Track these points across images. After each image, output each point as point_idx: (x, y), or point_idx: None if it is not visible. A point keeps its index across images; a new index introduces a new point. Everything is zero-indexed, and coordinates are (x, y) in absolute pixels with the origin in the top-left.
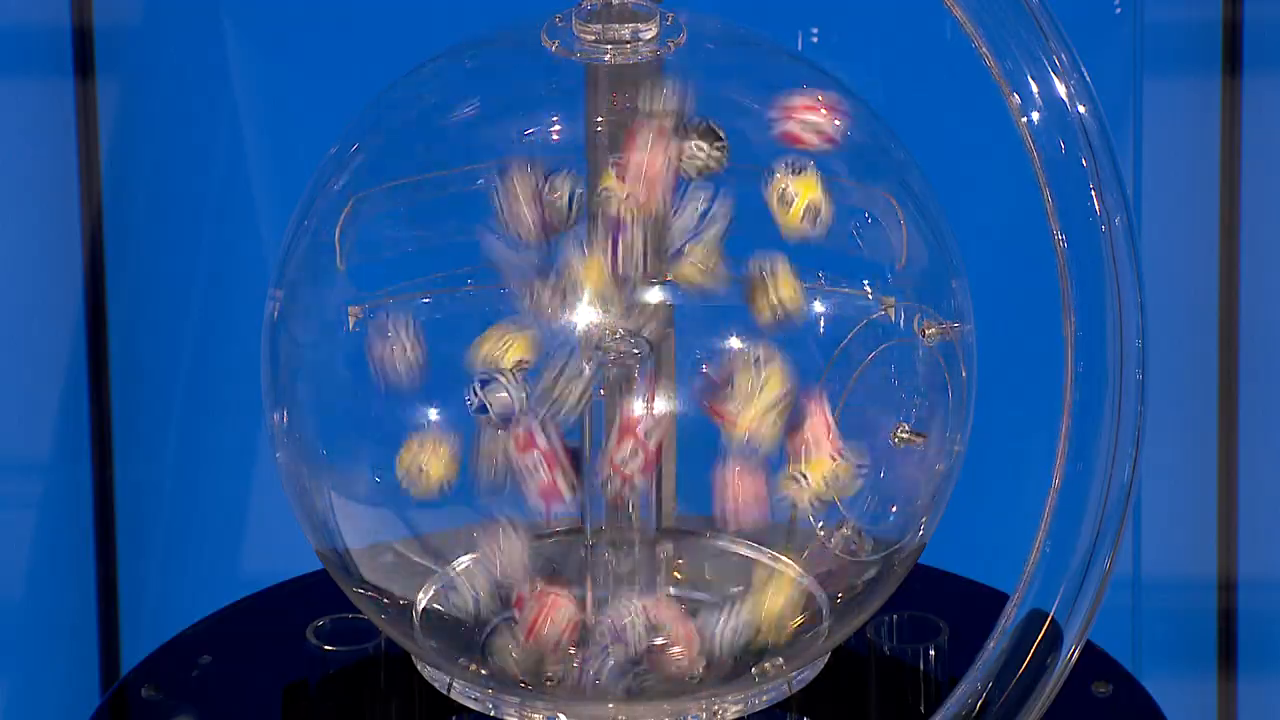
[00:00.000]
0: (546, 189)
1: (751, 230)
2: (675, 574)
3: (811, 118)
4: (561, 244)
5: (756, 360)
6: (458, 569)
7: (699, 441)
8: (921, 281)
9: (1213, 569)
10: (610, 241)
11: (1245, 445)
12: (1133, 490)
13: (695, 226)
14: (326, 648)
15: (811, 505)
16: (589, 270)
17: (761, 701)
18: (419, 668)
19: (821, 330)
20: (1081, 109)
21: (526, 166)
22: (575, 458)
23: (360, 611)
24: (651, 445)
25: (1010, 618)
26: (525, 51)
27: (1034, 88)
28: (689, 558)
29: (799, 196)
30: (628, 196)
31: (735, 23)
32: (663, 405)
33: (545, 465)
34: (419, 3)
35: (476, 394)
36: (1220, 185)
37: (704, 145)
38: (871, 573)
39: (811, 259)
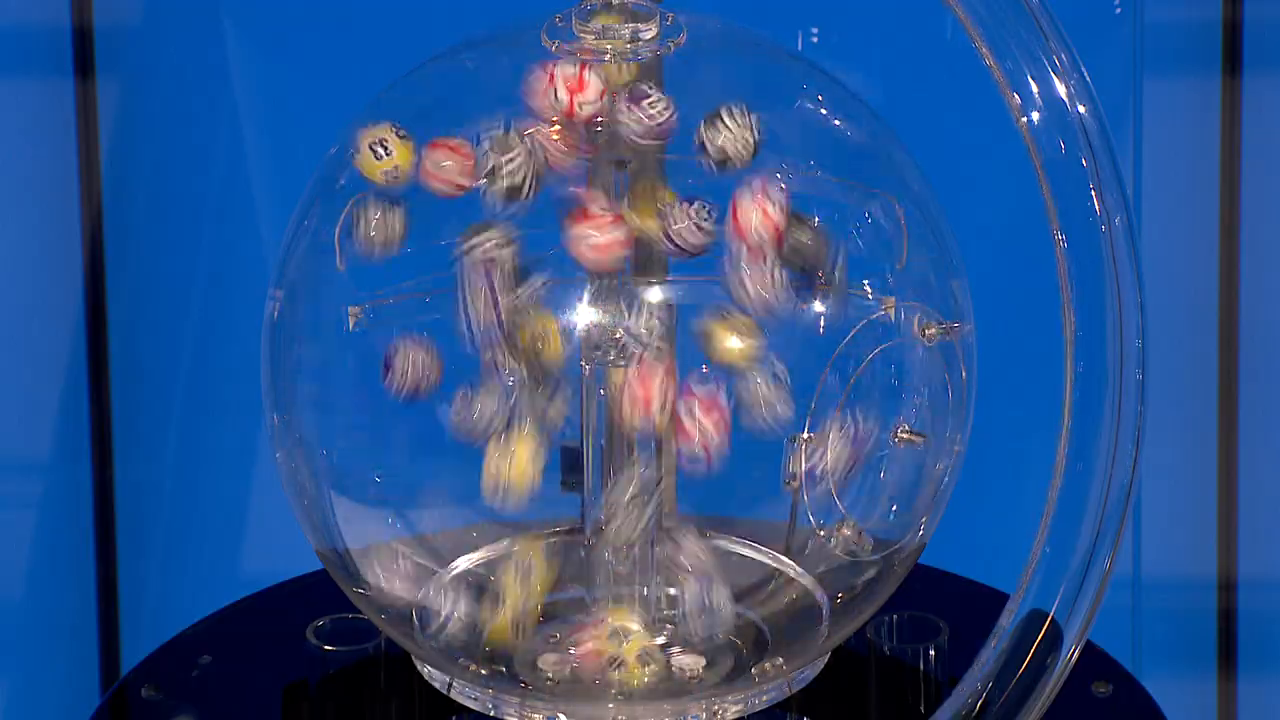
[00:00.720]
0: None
1: None
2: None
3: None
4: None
5: None
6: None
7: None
8: (921, 281)
9: (1213, 569)
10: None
11: (1245, 445)
12: (1133, 490)
13: None
14: (326, 648)
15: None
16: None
17: (761, 701)
18: (419, 668)
19: (821, 330)
20: (1081, 109)
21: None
22: (573, 455)
23: (360, 611)
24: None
25: (1010, 618)
26: (525, 51)
27: (1034, 88)
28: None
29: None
30: None
31: (735, 23)
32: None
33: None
34: (419, 3)
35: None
36: (1220, 185)
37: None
38: (871, 573)
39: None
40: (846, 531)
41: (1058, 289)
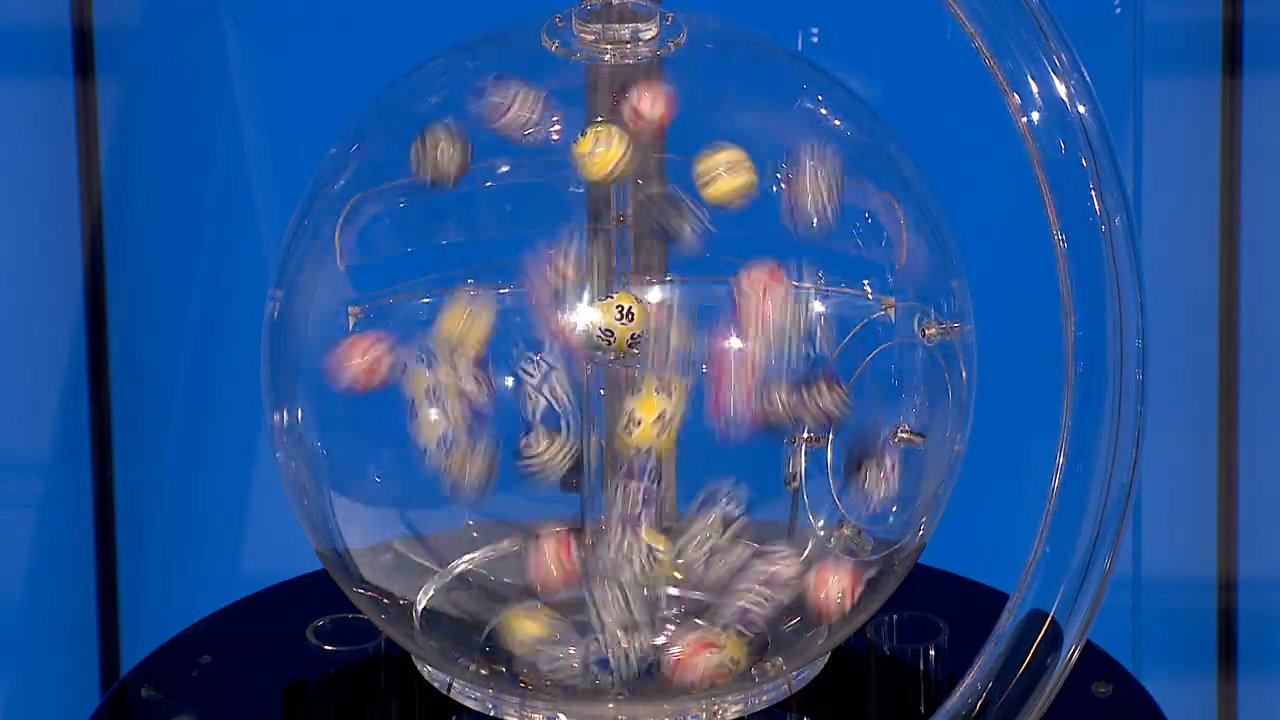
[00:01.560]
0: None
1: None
2: (675, 573)
3: None
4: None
5: None
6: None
7: (698, 442)
8: (921, 281)
9: (1213, 569)
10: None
11: (1245, 445)
12: (1133, 490)
13: None
14: (326, 648)
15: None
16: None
17: (761, 701)
18: (419, 668)
19: (822, 330)
20: (1081, 109)
21: None
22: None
23: (360, 611)
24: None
25: (1010, 618)
26: (525, 51)
27: (1034, 88)
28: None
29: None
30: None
31: (735, 23)
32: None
33: None
34: (419, 3)
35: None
36: (1220, 185)
37: None
38: (871, 573)
39: (812, 259)
40: (846, 531)
41: (1058, 289)
